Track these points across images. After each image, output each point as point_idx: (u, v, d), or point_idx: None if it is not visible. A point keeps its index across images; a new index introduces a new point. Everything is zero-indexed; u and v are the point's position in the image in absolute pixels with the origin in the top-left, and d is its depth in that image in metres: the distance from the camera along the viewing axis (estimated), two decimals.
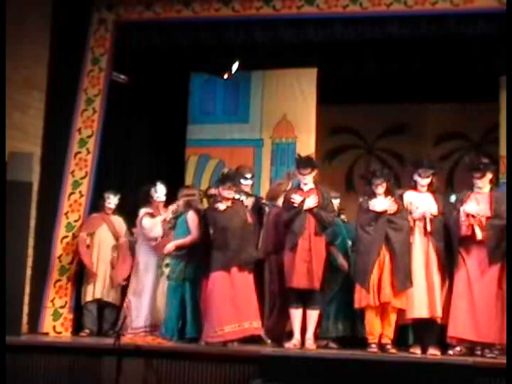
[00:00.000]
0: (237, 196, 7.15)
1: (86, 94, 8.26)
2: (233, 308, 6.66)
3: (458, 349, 6.63)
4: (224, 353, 6.42)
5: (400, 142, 10.19)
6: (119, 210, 8.19)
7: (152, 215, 7.74)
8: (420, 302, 6.66)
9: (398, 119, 10.21)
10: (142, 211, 7.79)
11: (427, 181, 6.93)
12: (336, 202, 7.32)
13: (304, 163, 7.03)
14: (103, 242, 7.99)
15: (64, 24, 8.23)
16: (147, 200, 7.86)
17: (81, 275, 8.00)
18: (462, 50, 8.60)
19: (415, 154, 9.73)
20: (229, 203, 6.87)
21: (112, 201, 8.07)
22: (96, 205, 8.16)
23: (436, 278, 6.72)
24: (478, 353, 6.56)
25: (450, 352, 6.62)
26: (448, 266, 6.77)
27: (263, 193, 8.89)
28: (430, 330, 6.73)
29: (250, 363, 6.08)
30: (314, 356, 6.28)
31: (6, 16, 7.18)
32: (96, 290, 7.85)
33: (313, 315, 6.86)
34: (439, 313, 6.66)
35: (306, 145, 9.37)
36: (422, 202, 6.86)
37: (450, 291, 6.73)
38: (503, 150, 8.99)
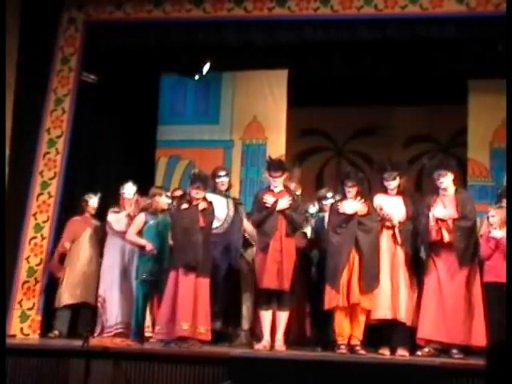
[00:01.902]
0: (212, 195, 7.19)
1: (55, 94, 8.20)
2: (168, 308, 6.70)
3: (426, 350, 6.69)
4: (193, 354, 6.40)
5: (370, 144, 10.24)
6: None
7: (117, 212, 7.74)
8: (383, 303, 6.71)
9: (367, 121, 10.26)
10: (110, 211, 7.80)
11: (395, 183, 6.96)
12: (328, 203, 7.34)
13: (275, 166, 7.05)
14: (85, 245, 7.99)
15: (33, 23, 8.17)
16: (117, 199, 7.84)
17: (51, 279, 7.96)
18: (431, 53, 8.67)
19: (385, 157, 9.80)
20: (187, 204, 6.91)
21: (95, 201, 8.08)
22: (74, 207, 8.16)
23: (402, 280, 6.76)
24: (446, 354, 6.63)
25: (419, 353, 6.67)
26: (417, 269, 6.83)
27: (232, 194, 8.91)
28: (399, 332, 6.77)
29: (219, 364, 6.08)
30: (283, 357, 6.30)
31: (5, 16, 7.15)
32: (73, 294, 7.84)
33: (282, 317, 6.87)
34: (402, 314, 6.70)
35: (277, 146, 9.39)
36: (391, 205, 6.92)
37: (420, 294, 6.78)
38: (471, 153, 9.10)
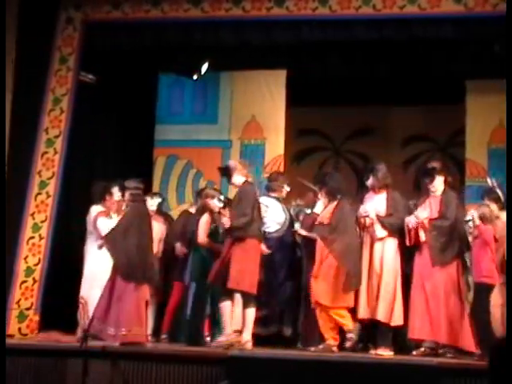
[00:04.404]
0: (267, 199, 7.44)
1: (53, 94, 8.19)
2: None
3: (421, 349, 6.74)
4: (191, 354, 6.43)
5: (367, 143, 10.25)
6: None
7: (106, 214, 7.67)
8: (361, 304, 6.79)
9: (365, 121, 10.27)
10: (95, 210, 7.67)
11: (370, 182, 7.04)
12: None
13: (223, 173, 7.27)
14: None
15: (31, 23, 8.16)
16: (103, 197, 7.74)
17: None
18: (429, 53, 8.69)
19: (382, 156, 9.82)
20: None
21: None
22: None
23: (383, 280, 6.77)
24: (441, 353, 6.67)
25: (414, 352, 6.73)
26: (405, 268, 6.86)
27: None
28: (380, 331, 6.79)
29: (216, 364, 6.09)
30: (280, 357, 6.30)
31: (5, 16, 7.14)
32: None
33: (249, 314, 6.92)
34: (382, 314, 6.72)
35: (275, 146, 9.41)
36: (372, 202, 6.98)
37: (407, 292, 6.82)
38: (469, 154, 9.10)
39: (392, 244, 6.87)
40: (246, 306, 6.85)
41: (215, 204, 7.40)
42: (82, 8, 8.33)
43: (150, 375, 6.25)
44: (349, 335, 6.77)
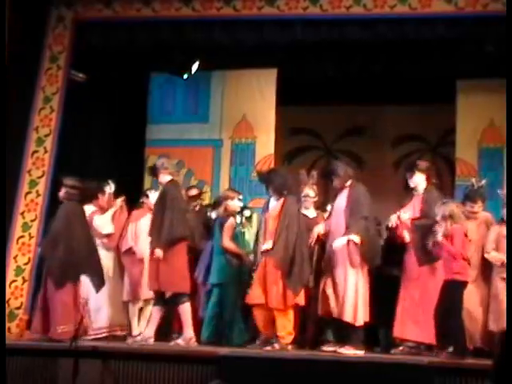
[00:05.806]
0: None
1: (43, 93, 8.18)
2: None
3: (400, 348, 6.74)
4: (182, 353, 6.42)
5: (359, 143, 10.27)
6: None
7: (100, 211, 7.67)
8: (319, 302, 6.78)
9: (356, 121, 10.29)
10: (89, 209, 7.65)
11: (334, 183, 6.98)
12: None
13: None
14: None
15: (21, 21, 8.13)
16: (95, 197, 7.74)
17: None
18: (420, 52, 8.70)
19: (373, 156, 9.86)
20: None
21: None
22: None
23: (339, 277, 6.70)
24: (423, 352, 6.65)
25: (392, 351, 6.73)
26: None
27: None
28: (334, 328, 6.82)
29: (208, 364, 6.08)
30: (272, 356, 6.30)
31: (5, 16, 7.16)
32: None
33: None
34: (341, 314, 6.64)
35: (266, 145, 9.41)
36: (337, 200, 6.94)
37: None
38: (459, 153, 9.12)
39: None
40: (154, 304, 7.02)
41: (236, 205, 7.38)
42: (73, 6, 8.33)
43: (141, 375, 6.24)
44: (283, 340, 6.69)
